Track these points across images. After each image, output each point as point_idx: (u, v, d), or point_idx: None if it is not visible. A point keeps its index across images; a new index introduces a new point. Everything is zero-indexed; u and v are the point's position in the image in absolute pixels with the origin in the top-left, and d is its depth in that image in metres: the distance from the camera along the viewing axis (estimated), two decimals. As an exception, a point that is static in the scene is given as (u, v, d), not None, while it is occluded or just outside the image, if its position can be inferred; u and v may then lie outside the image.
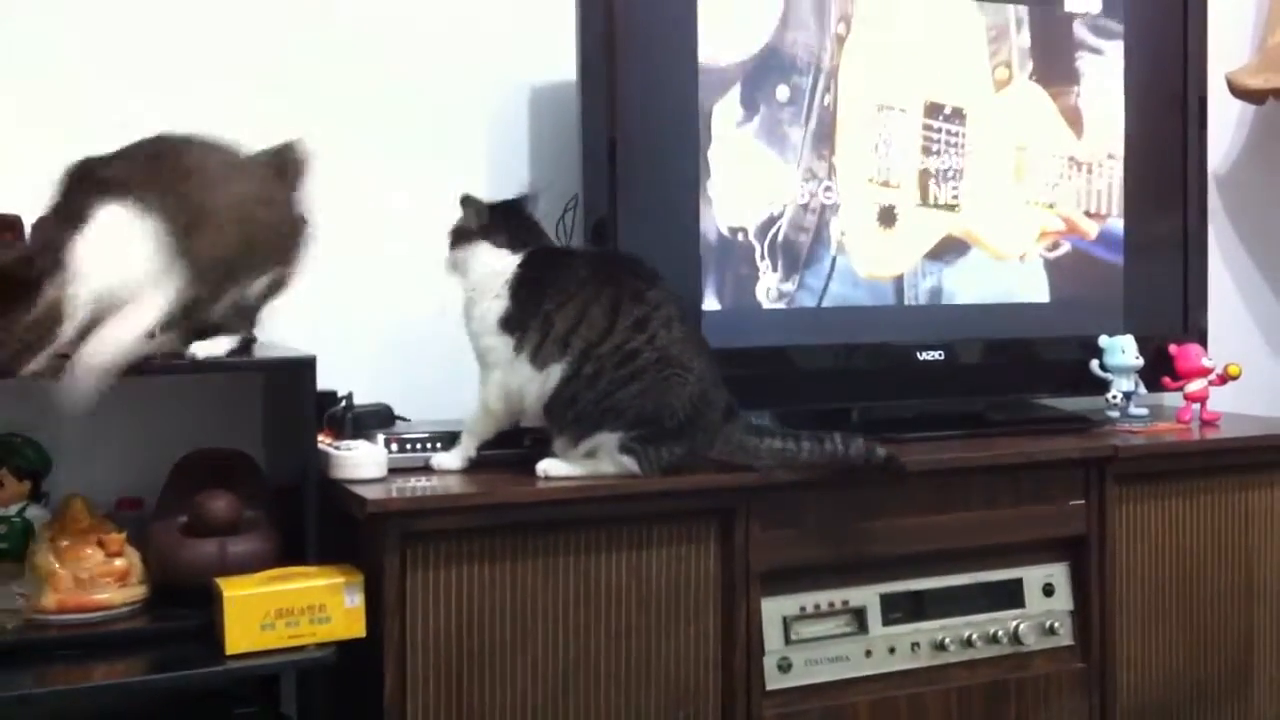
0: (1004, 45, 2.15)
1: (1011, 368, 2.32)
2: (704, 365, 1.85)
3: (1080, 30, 2.26)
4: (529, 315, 1.83)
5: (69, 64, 1.97)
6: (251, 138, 2.00)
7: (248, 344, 1.78)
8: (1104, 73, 2.31)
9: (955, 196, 2.19)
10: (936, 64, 2.05)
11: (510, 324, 1.83)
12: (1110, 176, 2.21)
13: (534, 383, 1.82)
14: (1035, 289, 2.34)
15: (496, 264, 1.86)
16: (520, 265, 1.86)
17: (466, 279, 1.88)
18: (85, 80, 1.97)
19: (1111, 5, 2.34)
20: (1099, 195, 2.22)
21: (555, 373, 1.81)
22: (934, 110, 2.09)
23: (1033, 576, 2.09)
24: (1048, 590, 2.10)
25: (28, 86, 1.94)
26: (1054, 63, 2.20)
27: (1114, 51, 2.30)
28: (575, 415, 1.81)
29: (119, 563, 1.72)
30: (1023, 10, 2.13)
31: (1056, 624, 2.09)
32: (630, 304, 1.82)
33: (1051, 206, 2.27)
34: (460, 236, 1.90)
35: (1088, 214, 2.27)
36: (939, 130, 2.08)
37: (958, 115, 2.10)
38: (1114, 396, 2.28)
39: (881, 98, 2.07)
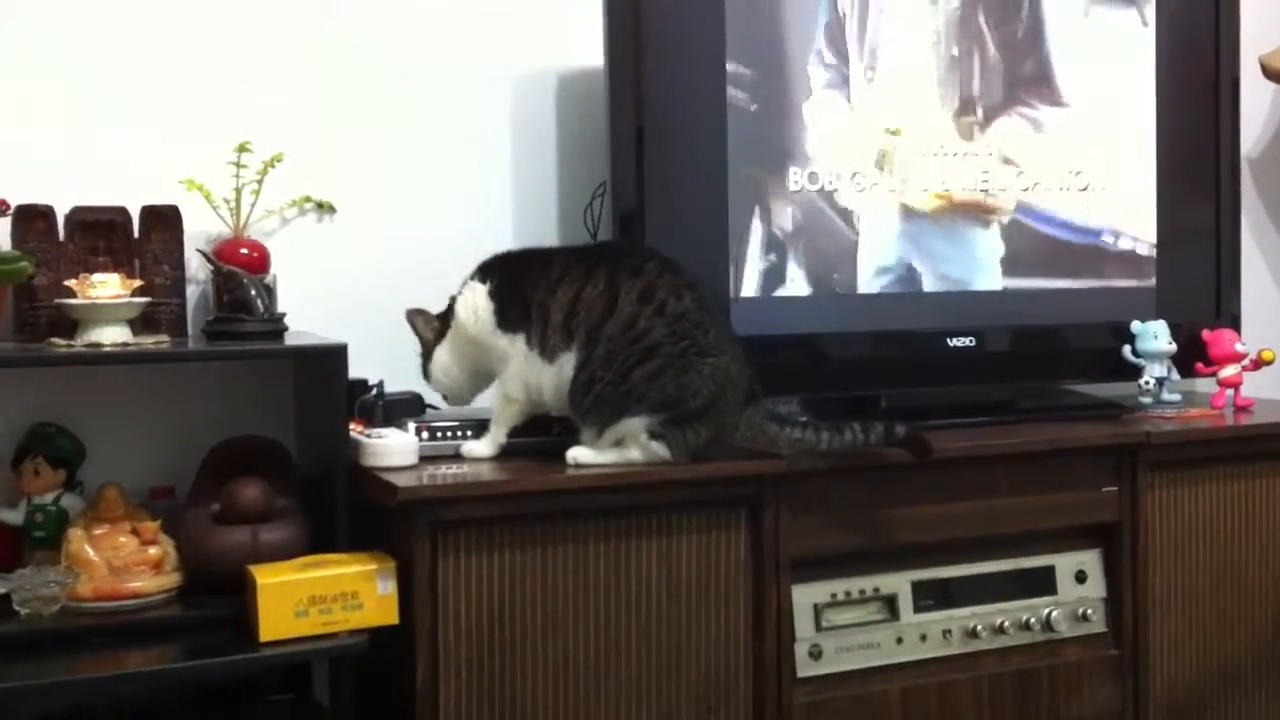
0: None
1: (1043, 354, 2.31)
2: (721, 336, 1.84)
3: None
4: (520, 308, 1.82)
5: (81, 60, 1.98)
6: (271, 133, 2.02)
7: None
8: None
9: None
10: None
11: (506, 321, 1.83)
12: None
13: (548, 374, 1.82)
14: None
15: (469, 294, 1.86)
16: (487, 277, 1.86)
17: (460, 333, 1.87)
18: (94, 75, 1.98)
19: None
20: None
21: (568, 362, 1.81)
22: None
23: (1065, 563, 2.08)
24: (1080, 577, 2.09)
25: (33, 86, 1.95)
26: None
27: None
28: (595, 400, 1.80)
29: (153, 550, 1.73)
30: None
31: (1089, 611, 2.08)
32: (629, 279, 1.81)
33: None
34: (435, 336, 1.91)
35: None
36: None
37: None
38: (1147, 382, 2.26)
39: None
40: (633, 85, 2.02)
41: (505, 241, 2.15)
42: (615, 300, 1.80)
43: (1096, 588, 2.10)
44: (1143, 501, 2.10)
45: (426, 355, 1.91)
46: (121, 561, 1.71)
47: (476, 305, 1.86)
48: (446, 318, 1.90)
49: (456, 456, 1.86)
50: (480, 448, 1.86)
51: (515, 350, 1.83)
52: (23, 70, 1.93)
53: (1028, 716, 2.03)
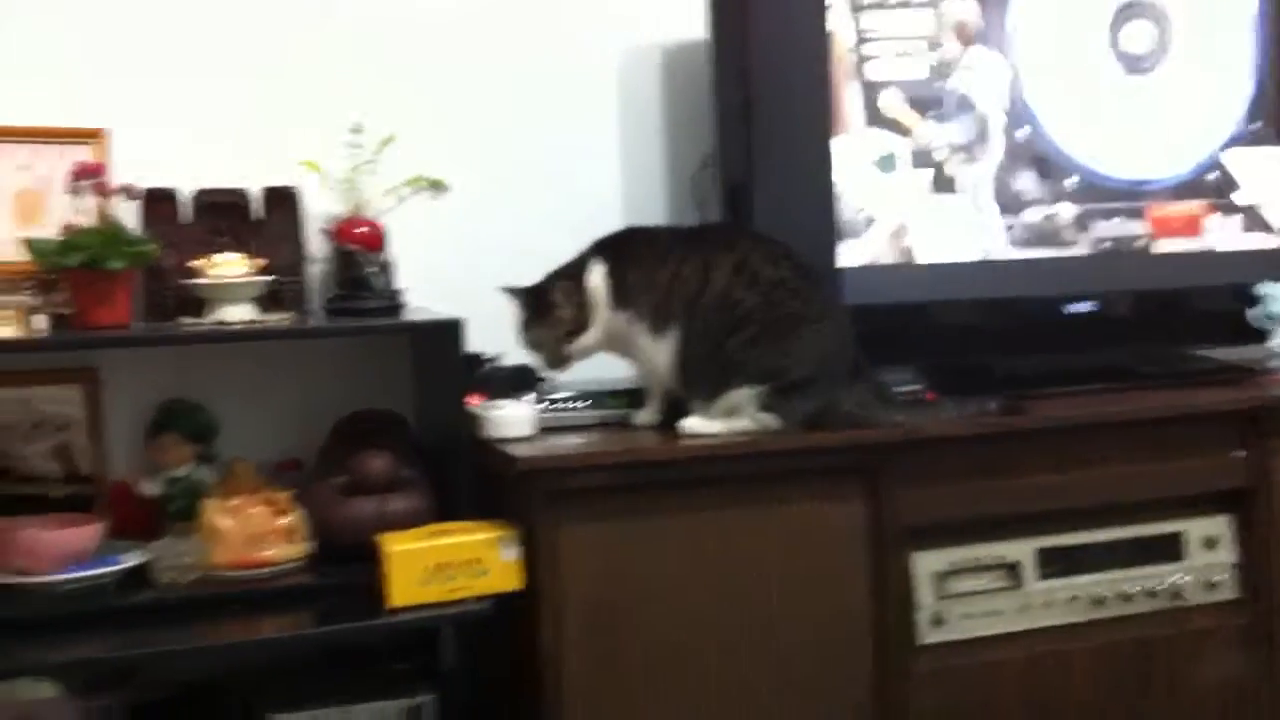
0: None
1: (1165, 318, 2.25)
2: (822, 304, 1.84)
3: None
4: (632, 283, 1.85)
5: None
6: (384, 114, 2.05)
7: None
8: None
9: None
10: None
11: (620, 297, 1.86)
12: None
13: (660, 352, 1.84)
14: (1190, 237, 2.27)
15: (594, 278, 1.87)
16: (606, 256, 1.88)
17: (597, 309, 1.88)
18: (218, 65, 2.03)
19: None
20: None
21: (672, 338, 1.83)
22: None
23: (1194, 530, 2.03)
24: (1209, 544, 2.04)
25: (161, 77, 2.00)
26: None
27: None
28: (694, 373, 1.82)
29: (285, 521, 1.78)
30: None
31: (1219, 578, 2.03)
32: (723, 254, 1.83)
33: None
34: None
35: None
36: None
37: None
38: (1276, 344, 2.20)
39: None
40: (737, 57, 2.01)
41: (612, 215, 2.16)
42: (708, 275, 1.82)
43: (1227, 554, 2.05)
44: (1273, 466, 2.04)
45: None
46: (255, 531, 1.75)
47: (598, 284, 1.88)
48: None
49: (575, 428, 1.89)
50: (642, 416, 1.91)
51: (632, 326, 1.86)
52: (154, 63, 1.99)
53: (1154, 683, 1.99)
